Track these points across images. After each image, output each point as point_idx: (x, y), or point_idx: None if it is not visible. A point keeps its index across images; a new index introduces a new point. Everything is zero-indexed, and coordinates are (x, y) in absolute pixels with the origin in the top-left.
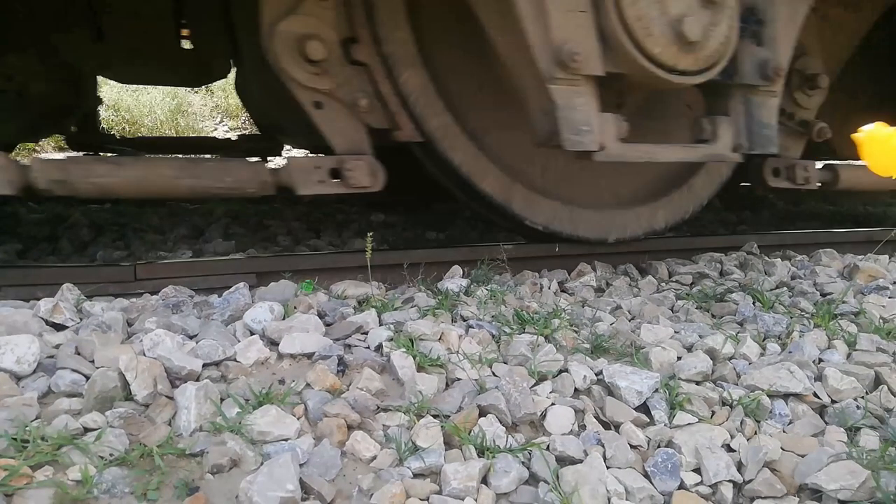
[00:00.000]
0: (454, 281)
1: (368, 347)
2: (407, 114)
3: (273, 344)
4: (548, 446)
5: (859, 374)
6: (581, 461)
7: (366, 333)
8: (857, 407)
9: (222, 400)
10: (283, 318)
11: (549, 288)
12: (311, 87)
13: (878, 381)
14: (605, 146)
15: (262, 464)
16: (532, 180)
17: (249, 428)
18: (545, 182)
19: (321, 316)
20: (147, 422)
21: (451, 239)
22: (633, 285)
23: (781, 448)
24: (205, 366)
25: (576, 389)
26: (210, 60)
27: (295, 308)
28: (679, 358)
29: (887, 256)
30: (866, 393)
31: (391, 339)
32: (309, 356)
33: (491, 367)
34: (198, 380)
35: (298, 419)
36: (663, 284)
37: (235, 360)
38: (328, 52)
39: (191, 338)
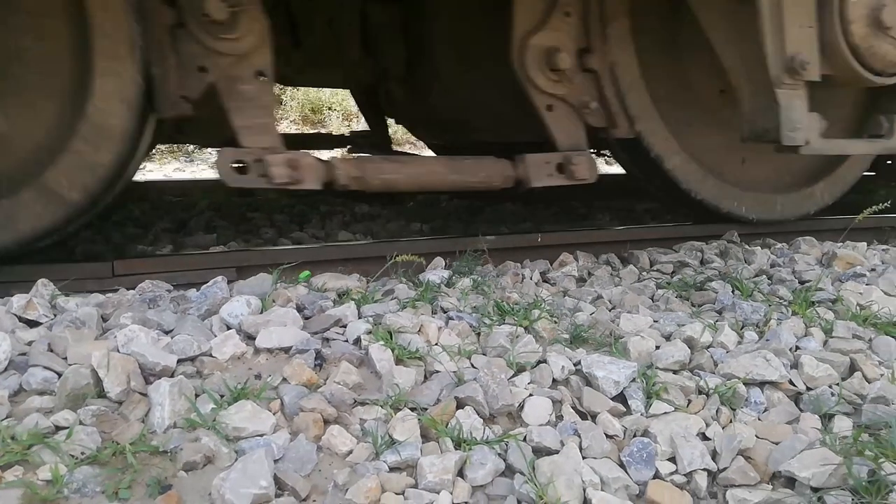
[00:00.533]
0: (436, 272)
1: (347, 341)
2: (624, 114)
3: (250, 338)
4: (525, 437)
5: (834, 361)
6: (557, 452)
7: (344, 326)
8: (832, 394)
9: (197, 396)
10: (261, 312)
11: (531, 278)
12: (548, 93)
13: (852, 368)
14: (810, 141)
15: (236, 460)
16: (719, 170)
17: (224, 424)
18: (728, 170)
19: (300, 309)
20: (120, 419)
21: (435, 230)
22: (614, 275)
23: (756, 436)
24: (180, 361)
25: (554, 380)
26: (385, 65)
27: (273, 302)
28: (657, 347)
29: (865, 244)
30: (841, 380)
31: (370, 332)
32: (286, 350)
33: (470, 358)
34: (172, 376)
35: (274, 414)
36: (644, 273)
37: (211, 355)
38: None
39: (166, 333)
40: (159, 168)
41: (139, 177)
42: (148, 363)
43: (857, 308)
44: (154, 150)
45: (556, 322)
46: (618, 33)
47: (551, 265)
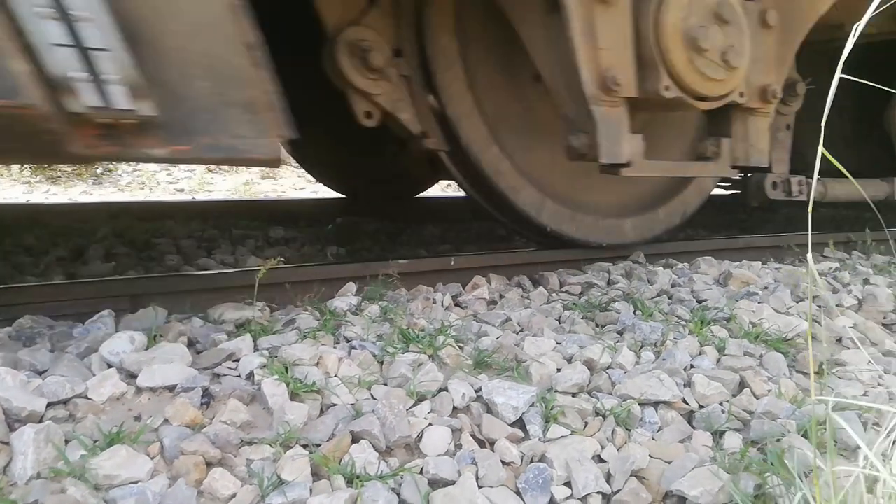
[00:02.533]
0: (345, 299)
1: (239, 376)
2: None
3: (133, 377)
4: (421, 470)
5: (725, 379)
6: (454, 483)
7: (238, 361)
8: (722, 411)
9: (67, 442)
10: (147, 349)
11: (442, 303)
12: None
13: (742, 385)
14: None
15: None
16: None
17: (94, 472)
18: None
19: (192, 343)
20: None
21: (352, 254)
22: (525, 297)
23: (650, 456)
24: (50, 405)
25: (454, 408)
26: None
27: (161, 336)
28: (559, 370)
29: (760, 263)
30: (731, 396)
31: (264, 366)
32: (171, 389)
33: (370, 389)
34: (41, 421)
35: (153, 458)
36: (554, 295)
37: (87, 397)
38: None
39: (39, 374)
40: (63, 191)
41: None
42: (13, 408)
43: (750, 326)
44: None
45: (461, 348)
46: None
47: (464, 288)
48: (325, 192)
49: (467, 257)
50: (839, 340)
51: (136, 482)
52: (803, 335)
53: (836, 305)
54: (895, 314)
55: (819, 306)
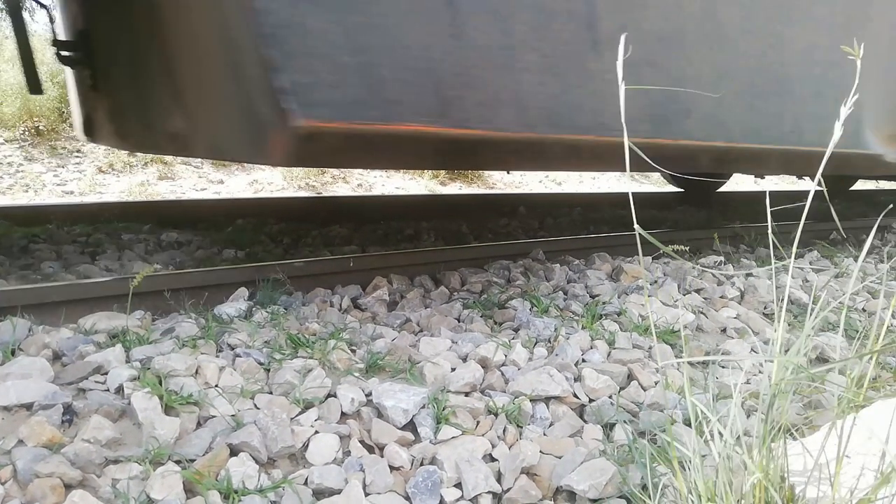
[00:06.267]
0: (234, 304)
1: (108, 390)
2: None
3: None
4: (306, 480)
5: (613, 372)
6: (340, 491)
7: (106, 374)
8: (611, 404)
9: None
10: (2, 364)
11: (339, 305)
12: None
13: (630, 377)
14: None
15: None
16: None
17: None
18: None
19: (57, 357)
20: None
21: (251, 257)
22: (426, 296)
23: (540, 452)
24: None
25: (343, 414)
26: None
27: (21, 350)
28: (453, 369)
29: (650, 258)
30: (620, 389)
31: (135, 379)
32: (28, 407)
33: (253, 399)
34: None
35: (4, 484)
36: (455, 294)
37: None
38: None
39: None
40: None
41: None
42: None
43: (639, 319)
44: None
45: (353, 351)
46: None
47: (364, 290)
48: (228, 192)
49: (368, 258)
50: (723, 330)
51: None
52: (690, 326)
53: (720, 297)
54: (774, 304)
55: (704, 298)
